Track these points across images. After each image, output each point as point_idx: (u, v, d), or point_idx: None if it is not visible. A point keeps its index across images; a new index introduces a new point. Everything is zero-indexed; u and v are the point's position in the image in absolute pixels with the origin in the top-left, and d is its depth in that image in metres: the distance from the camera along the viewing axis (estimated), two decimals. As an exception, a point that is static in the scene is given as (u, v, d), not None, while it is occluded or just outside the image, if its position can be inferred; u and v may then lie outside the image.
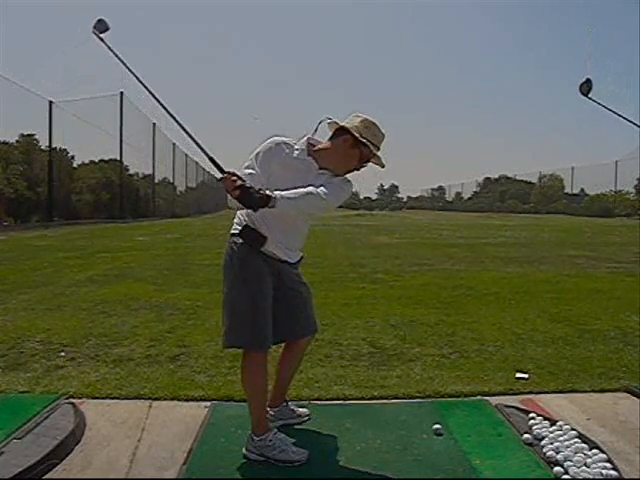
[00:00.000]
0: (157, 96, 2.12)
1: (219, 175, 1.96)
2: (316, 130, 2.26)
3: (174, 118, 2.09)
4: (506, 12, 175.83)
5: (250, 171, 2.10)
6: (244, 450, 2.21)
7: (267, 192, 1.93)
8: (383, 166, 2.26)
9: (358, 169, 2.25)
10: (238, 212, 2.22)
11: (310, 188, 2.05)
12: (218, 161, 2.00)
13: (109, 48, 2.21)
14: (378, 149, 2.21)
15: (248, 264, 2.16)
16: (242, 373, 2.23)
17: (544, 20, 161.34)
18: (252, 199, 1.91)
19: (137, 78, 2.15)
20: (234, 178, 1.92)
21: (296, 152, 2.17)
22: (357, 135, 2.15)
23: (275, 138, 2.20)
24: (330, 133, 2.25)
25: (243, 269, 2.16)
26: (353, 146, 2.17)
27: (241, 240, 2.17)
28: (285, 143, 2.18)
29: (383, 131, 2.22)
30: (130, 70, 2.17)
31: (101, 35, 2.27)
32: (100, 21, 2.31)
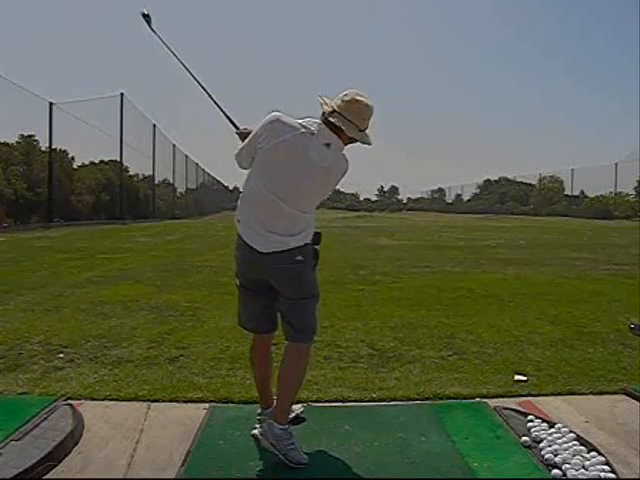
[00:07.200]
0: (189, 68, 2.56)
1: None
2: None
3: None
4: (505, 10, 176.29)
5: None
6: (257, 432, 2.25)
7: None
8: (369, 144, 2.24)
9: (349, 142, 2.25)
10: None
11: None
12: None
13: (154, 31, 2.62)
14: (364, 128, 2.20)
15: (311, 266, 2.29)
16: (294, 364, 2.27)
17: (544, 20, 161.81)
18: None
19: (180, 61, 2.58)
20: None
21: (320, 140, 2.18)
22: (334, 120, 2.16)
23: (295, 124, 2.17)
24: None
25: (313, 272, 2.31)
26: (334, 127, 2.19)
27: (304, 247, 2.24)
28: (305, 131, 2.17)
29: (369, 103, 2.19)
30: (174, 53, 2.58)
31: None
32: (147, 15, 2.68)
